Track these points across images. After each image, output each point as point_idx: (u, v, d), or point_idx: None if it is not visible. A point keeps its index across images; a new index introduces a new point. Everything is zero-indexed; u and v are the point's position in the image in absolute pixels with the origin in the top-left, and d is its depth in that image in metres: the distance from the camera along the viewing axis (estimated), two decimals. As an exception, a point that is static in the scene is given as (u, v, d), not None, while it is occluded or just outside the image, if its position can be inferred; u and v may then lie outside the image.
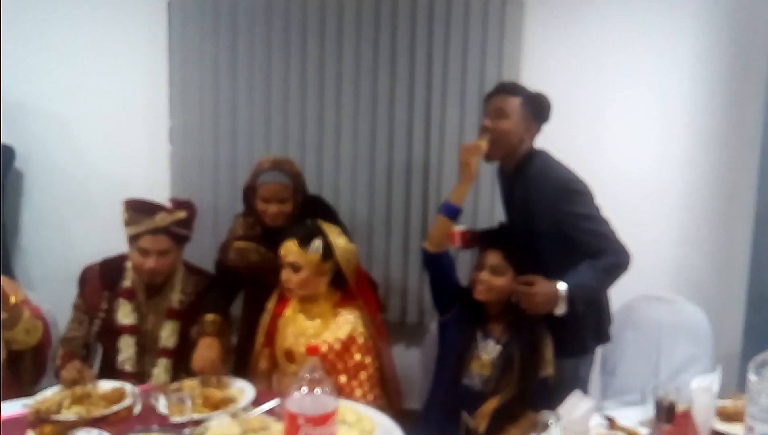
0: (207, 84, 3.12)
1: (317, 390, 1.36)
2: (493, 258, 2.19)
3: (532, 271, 2.14)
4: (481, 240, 2.40)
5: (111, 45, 3.19)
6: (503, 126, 2.23)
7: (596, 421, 1.84)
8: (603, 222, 2.16)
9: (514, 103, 2.23)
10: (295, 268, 2.15)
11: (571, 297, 2.09)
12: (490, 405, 2.12)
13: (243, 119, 3.13)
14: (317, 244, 2.15)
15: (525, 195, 2.24)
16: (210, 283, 2.49)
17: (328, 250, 2.16)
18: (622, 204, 2.28)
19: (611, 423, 1.88)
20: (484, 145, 2.25)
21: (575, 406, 1.66)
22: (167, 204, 2.38)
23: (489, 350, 2.20)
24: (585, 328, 2.31)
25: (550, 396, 2.05)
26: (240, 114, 3.13)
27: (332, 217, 2.54)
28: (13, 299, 2.15)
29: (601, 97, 3.07)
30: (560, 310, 2.10)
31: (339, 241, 2.21)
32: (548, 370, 2.17)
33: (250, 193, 2.51)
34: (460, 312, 2.28)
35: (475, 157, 2.27)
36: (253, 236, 2.54)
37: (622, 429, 1.84)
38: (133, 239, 2.30)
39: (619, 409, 2.07)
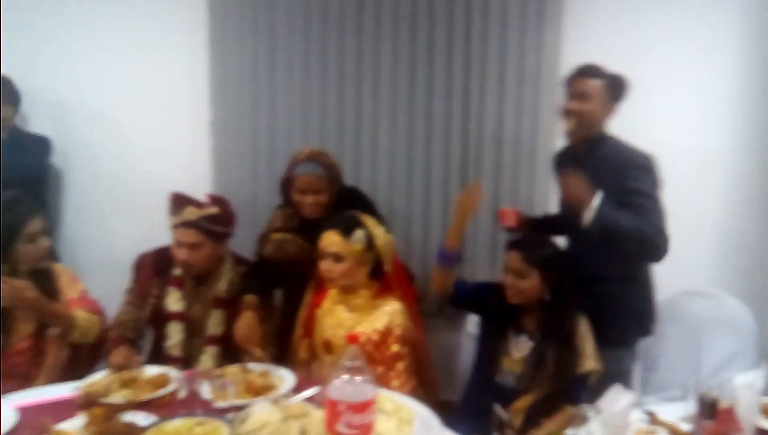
0: (246, 77, 3.15)
1: (358, 378, 1.37)
2: (514, 261, 2.19)
3: (560, 269, 2.15)
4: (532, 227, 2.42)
5: (151, 38, 3.25)
6: (587, 108, 2.28)
7: (637, 416, 1.83)
8: (658, 207, 2.19)
9: (597, 85, 2.29)
10: (338, 258, 2.16)
11: (599, 216, 2.13)
12: (523, 402, 2.12)
13: (282, 111, 3.15)
14: (360, 234, 2.17)
15: (594, 175, 2.24)
16: (248, 271, 2.53)
17: (369, 241, 2.18)
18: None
19: (652, 418, 1.86)
20: (476, 199, 2.34)
21: (615, 400, 1.64)
22: (205, 199, 2.43)
23: (520, 347, 2.19)
24: (628, 319, 2.30)
25: (590, 390, 2.04)
26: (279, 106, 3.15)
27: (369, 207, 2.56)
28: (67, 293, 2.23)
29: (642, 88, 2.98)
30: (588, 215, 2.15)
31: (377, 231, 2.22)
32: (588, 364, 2.15)
33: (286, 184, 2.55)
34: (491, 309, 2.28)
35: (471, 211, 2.32)
36: (291, 228, 2.58)
37: (663, 424, 1.82)
38: (172, 231, 2.37)
39: (659, 405, 2.05)
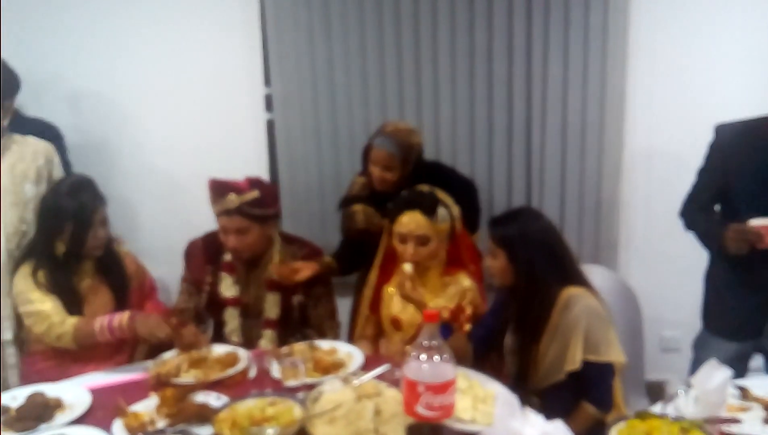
0: (303, 49, 3.05)
1: (436, 357, 1.31)
2: (490, 240, 1.96)
3: (534, 250, 1.88)
4: None
5: (204, 14, 3.16)
6: None
7: (727, 391, 1.71)
8: None
9: None
10: (424, 240, 2.06)
11: None
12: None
13: (340, 84, 3.06)
14: (443, 212, 2.08)
15: None
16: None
17: (451, 217, 2.10)
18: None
19: (744, 393, 1.75)
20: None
21: (710, 376, 1.54)
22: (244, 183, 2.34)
23: (508, 341, 2.01)
24: None
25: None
26: (337, 78, 3.06)
27: (454, 185, 2.42)
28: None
29: (712, 55, 2.84)
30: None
31: (451, 202, 2.15)
32: (569, 364, 1.81)
33: (366, 152, 2.51)
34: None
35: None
36: (363, 196, 2.55)
37: (757, 399, 1.71)
38: (216, 218, 2.32)
39: (751, 379, 1.92)
